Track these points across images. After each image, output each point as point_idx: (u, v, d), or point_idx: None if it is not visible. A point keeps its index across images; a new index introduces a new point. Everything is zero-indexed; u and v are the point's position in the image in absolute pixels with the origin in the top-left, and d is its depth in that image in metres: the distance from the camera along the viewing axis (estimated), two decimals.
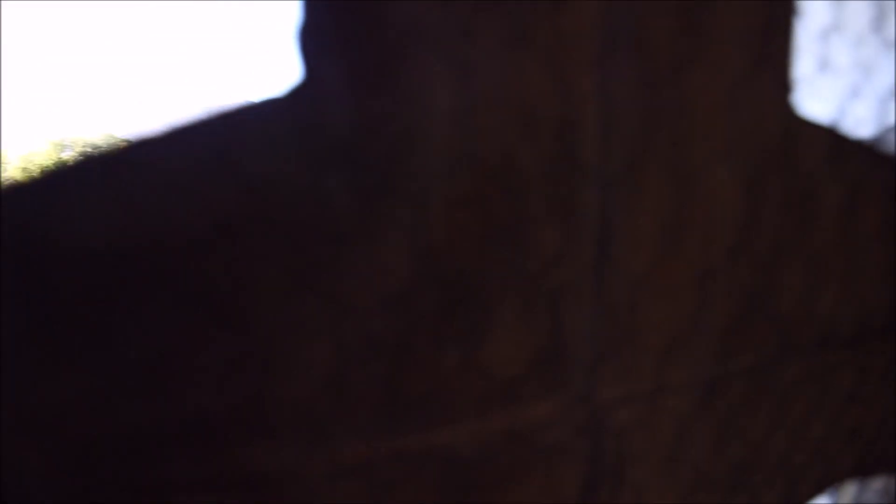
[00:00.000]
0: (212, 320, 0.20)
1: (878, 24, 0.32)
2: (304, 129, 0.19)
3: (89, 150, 0.17)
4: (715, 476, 0.34)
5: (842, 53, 0.27)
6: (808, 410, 0.35)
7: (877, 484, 0.47)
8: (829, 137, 0.27)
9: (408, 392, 0.23)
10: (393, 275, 0.21)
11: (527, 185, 0.23)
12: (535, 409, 0.26)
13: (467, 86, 0.20)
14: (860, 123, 0.32)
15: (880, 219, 0.30)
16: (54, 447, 0.19)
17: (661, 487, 0.33)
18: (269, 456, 0.22)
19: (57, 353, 0.19)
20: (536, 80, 0.22)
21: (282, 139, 0.19)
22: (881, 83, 0.33)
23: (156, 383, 0.20)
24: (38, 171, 0.17)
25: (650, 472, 0.32)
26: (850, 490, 0.47)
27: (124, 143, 0.17)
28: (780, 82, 0.25)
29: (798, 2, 0.24)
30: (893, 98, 0.32)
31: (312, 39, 0.18)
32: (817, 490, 0.39)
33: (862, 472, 0.39)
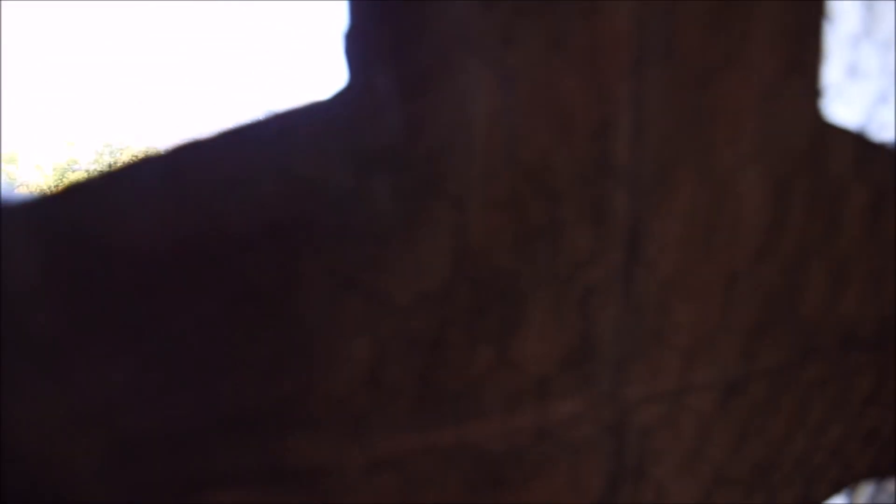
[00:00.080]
0: (258, 317, 0.20)
1: None
2: (351, 133, 0.19)
3: (143, 154, 0.18)
4: (734, 475, 0.34)
5: (871, 59, 0.28)
6: (828, 411, 0.35)
7: (892, 485, 0.47)
8: (856, 142, 0.27)
9: (442, 387, 0.24)
10: (432, 274, 0.22)
11: (561, 188, 0.23)
12: (564, 406, 0.27)
13: (507, 90, 0.21)
14: (886, 128, 0.32)
15: None
16: (106, 443, 0.20)
17: (682, 485, 0.33)
18: (309, 449, 0.23)
19: (109, 351, 0.19)
20: (572, 85, 0.22)
21: (329, 143, 0.19)
22: None
23: (204, 379, 0.20)
24: (90, 174, 0.18)
25: (671, 470, 0.32)
26: (865, 491, 0.48)
27: (179, 147, 0.18)
28: (810, 87, 0.25)
29: (829, 7, 0.25)
30: None
31: (359, 45, 0.19)
32: (834, 490, 0.39)
33: (878, 472, 0.40)
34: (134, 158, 0.18)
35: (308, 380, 0.21)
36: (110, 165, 0.18)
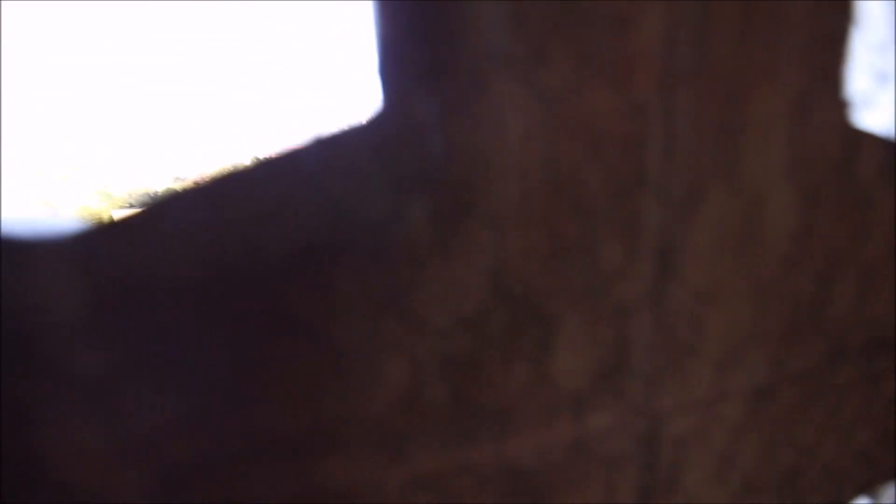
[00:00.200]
0: (297, 340, 0.20)
1: None
2: (389, 158, 0.19)
3: (185, 184, 0.18)
4: (763, 481, 0.34)
5: None
6: (855, 415, 0.35)
7: None
8: (884, 148, 0.27)
9: (478, 406, 0.24)
10: (469, 295, 0.22)
11: (593, 203, 0.23)
12: (597, 419, 0.26)
13: (541, 109, 0.21)
14: None
15: None
16: (148, 474, 0.20)
17: (712, 493, 0.33)
18: (347, 471, 0.22)
19: (153, 383, 0.19)
20: (604, 101, 0.22)
21: (367, 168, 0.19)
22: None
23: (243, 405, 0.20)
24: (134, 203, 0.18)
25: (702, 478, 0.32)
26: (889, 492, 0.47)
27: (220, 177, 0.18)
28: (839, 95, 0.25)
29: (857, 14, 0.25)
30: None
31: (396, 70, 0.19)
32: (859, 492, 0.39)
33: None
34: (177, 189, 0.18)
35: (345, 402, 0.21)
36: (154, 196, 0.18)
